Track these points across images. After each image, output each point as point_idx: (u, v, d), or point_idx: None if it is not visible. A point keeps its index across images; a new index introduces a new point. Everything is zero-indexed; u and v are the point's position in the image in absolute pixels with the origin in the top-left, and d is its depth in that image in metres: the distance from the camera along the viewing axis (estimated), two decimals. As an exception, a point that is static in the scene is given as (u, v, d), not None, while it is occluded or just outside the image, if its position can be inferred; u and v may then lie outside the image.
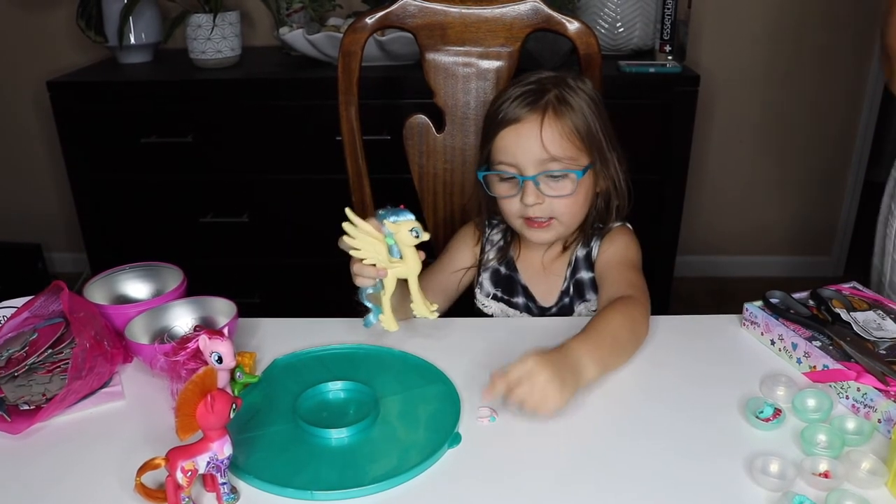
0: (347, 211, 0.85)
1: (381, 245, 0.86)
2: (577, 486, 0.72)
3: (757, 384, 0.87)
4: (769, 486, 0.70)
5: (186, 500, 0.69)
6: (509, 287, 1.12)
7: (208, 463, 0.68)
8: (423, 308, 0.89)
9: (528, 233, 1.04)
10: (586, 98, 1.02)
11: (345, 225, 0.85)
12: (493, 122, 1.02)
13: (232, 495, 0.71)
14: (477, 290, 1.14)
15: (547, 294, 1.11)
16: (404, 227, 0.84)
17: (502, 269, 1.13)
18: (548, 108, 0.99)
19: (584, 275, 1.09)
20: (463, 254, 1.14)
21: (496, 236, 1.14)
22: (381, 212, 0.86)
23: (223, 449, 0.69)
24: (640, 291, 0.98)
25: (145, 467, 0.69)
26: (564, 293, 1.10)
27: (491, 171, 1.03)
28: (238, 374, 0.86)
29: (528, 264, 1.12)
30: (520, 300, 1.12)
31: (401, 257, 0.87)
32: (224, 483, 0.70)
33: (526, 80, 1.03)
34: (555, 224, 1.03)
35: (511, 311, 1.12)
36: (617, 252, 1.06)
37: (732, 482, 0.72)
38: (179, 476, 0.68)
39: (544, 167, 0.99)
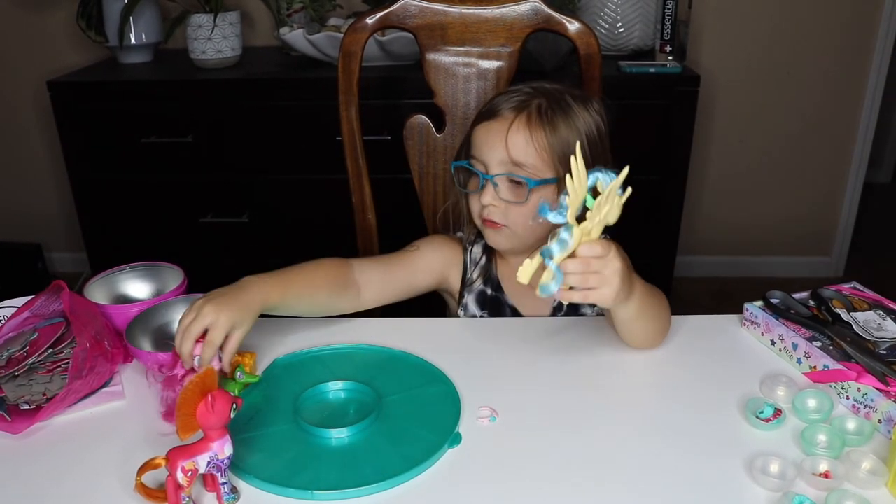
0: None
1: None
2: (577, 486, 0.72)
3: (757, 384, 0.87)
4: (769, 486, 0.70)
5: (187, 499, 0.69)
6: (496, 308, 1.08)
7: (209, 463, 0.68)
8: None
9: (485, 233, 1.03)
10: (583, 124, 0.98)
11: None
12: (477, 115, 1.03)
13: (232, 495, 0.71)
14: (461, 312, 1.09)
15: (536, 312, 1.08)
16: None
17: (488, 291, 1.08)
18: (524, 112, 0.97)
19: None
20: (433, 257, 1.08)
21: (477, 253, 1.09)
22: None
23: (224, 449, 0.69)
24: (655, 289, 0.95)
25: (145, 467, 0.69)
26: (557, 309, 1.07)
27: (461, 163, 1.03)
28: (238, 373, 0.86)
29: (513, 282, 0.99)
30: None
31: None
32: (224, 483, 0.70)
33: (529, 83, 1.02)
34: (506, 230, 1.00)
35: None
36: None
37: (732, 482, 0.72)
38: (180, 476, 0.68)
39: (507, 169, 0.97)
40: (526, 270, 0.76)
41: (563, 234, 0.76)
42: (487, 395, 0.85)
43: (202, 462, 0.68)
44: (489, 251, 1.08)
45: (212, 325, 0.81)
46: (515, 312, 1.08)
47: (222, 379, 0.83)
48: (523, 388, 0.87)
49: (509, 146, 0.96)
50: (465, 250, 1.09)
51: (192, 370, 0.81)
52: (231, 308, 0.83)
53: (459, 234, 1.12)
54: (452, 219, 1.14)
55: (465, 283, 1.09)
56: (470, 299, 1.08)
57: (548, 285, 0.76)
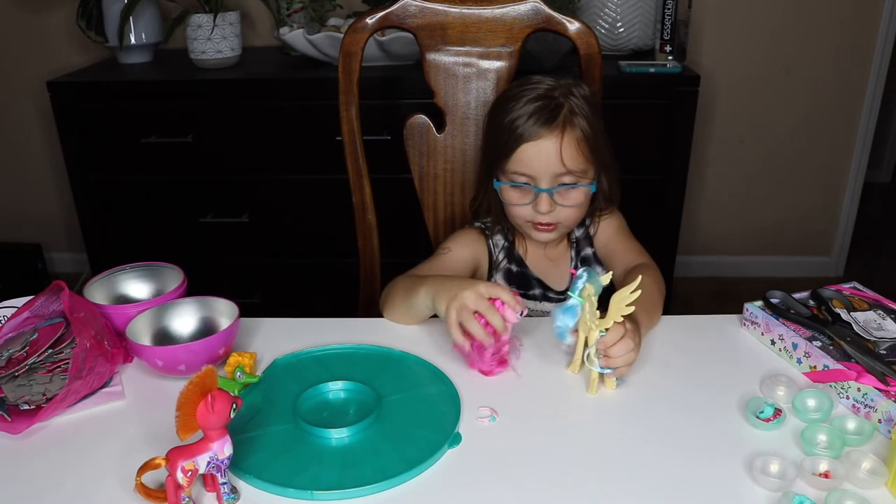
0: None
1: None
2: (577, 485, 0.72)
3: (757, 384, 0.87)
4: (769, 486, 0.70)
5: (187, 499, 0.68)
6: (523, 282, 1.16)
7: (209, 463, 0.68)
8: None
9: (534, 234, 1.10)
10: (588, 104, 1.06)
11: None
12: (512, 136, 1.04)
13: (232, 495, 0.71)
14: None
15: (559, 279, 1.17)
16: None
17: (513, 268, 1.16)
18: (565, 125, 1.03)
19: (588, 251, 1.17)
20: (465, 252, 1.15)
21: (498, 238, 1.16)
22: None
23: (223, 449, 0.69)
24: (647, 257, 1.11)
25: (145, 467, 0.69)
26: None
27: (506, 183, 1.07)
28: (238, 373, 0.86)
29: (536, 258, 1.17)
30: (536, 291, 1.17)
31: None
32: (224, 483, 0.70)
33: (534, 89, 1.06)
34: (559, 227, 1.09)
35: (530, 303, 1.16)
36: (613, 226, 1.16)
37: (732, 482, 0.72)
38: (180, 476, 0.67)
39: (559, 180, 1.04)
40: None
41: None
42: (487, 396, 0.85)
43: (202, 462, 0.68)
44: (508, 234, 1.16)
45: (473, 301, 0.87)
46: (541, 282, 1.17)
47: (222, 379, 0.82)
48: (523, 387, 0.88)
49: (564, 160, 1.03)
50: (487, 237, 1.16)
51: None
52: (460, 285, 0.90)
53: (477, 224, 1.18)
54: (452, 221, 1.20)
55: (493, 266, 1.16)
56: (498, 277, 1.17)
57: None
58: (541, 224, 1.07)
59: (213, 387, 0.68)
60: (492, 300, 0.87)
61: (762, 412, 0.79)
